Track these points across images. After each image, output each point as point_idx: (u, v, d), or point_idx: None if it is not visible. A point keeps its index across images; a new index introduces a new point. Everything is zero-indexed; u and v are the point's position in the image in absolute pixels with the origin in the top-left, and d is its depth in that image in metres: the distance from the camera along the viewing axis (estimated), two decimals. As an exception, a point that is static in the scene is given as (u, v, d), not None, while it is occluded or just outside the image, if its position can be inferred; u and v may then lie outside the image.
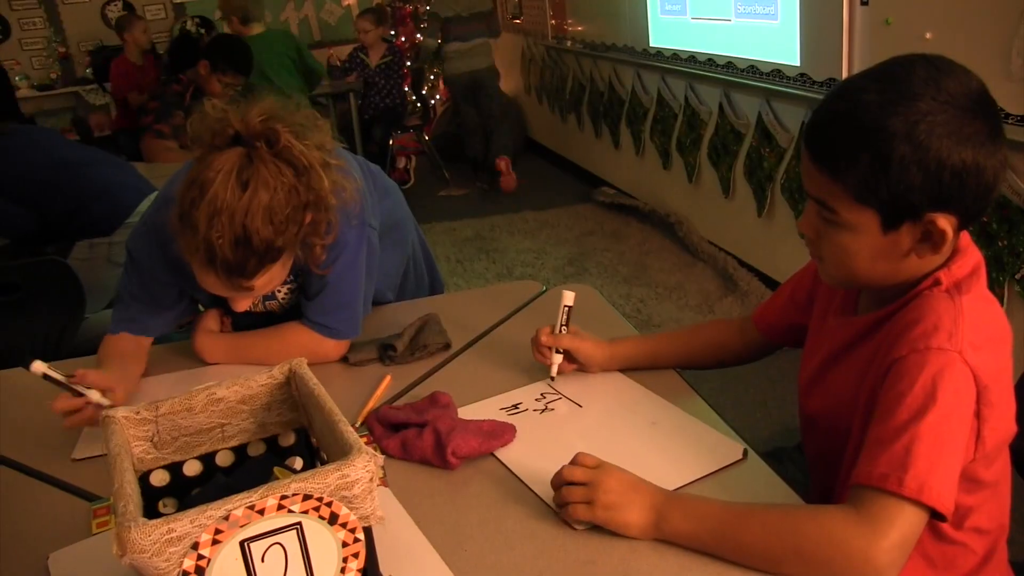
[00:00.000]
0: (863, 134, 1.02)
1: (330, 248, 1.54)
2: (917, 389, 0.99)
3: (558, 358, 1.49)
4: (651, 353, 1.51)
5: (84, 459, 1.38)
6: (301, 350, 1.57)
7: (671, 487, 1.15)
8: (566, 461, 1.15)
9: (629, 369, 1.52)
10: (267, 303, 1.71)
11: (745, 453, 1.25)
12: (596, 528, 1.10)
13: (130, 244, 1.65)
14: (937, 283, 1.07)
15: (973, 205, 1.03)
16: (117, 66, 6.15)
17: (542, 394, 1.47)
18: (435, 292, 2.15)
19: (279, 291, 1.69)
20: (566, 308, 1.48)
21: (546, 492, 1.17)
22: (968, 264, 1.09)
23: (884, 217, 1.04)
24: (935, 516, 0.97)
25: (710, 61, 4.23)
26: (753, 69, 3.85)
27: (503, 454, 1.29)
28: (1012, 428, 1.09)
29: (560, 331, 1.48)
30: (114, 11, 8.46)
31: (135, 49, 6.15)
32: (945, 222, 1.03)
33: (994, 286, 2.59)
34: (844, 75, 3.18)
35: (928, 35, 2.72)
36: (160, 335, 1.72)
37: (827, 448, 1.22)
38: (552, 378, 1.50)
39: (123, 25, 6.24)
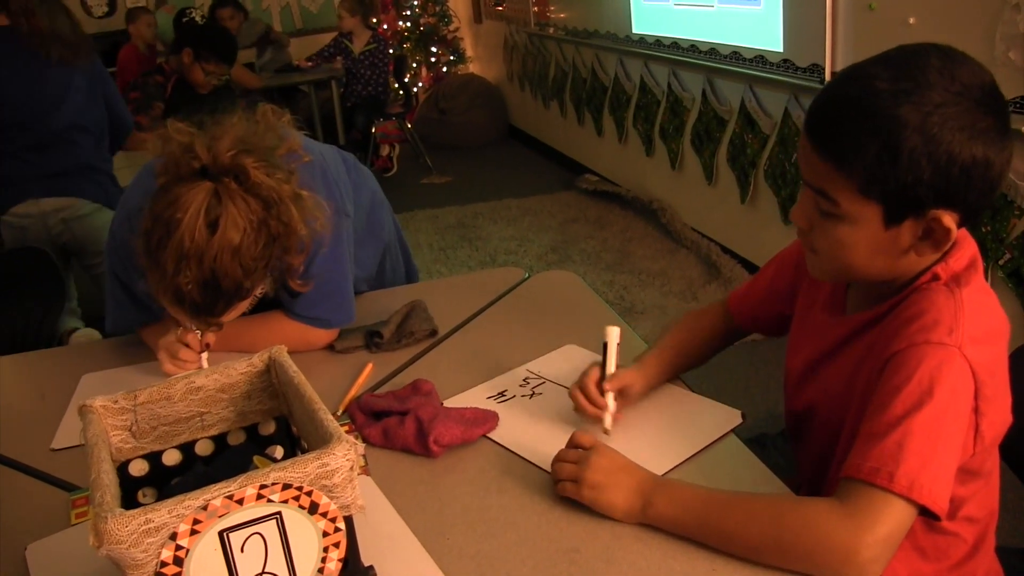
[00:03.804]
0: (873, 122, 0.97)
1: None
2: (914, 383, 0.97)
3: (613, 406, 1.28)
4: (669, 369, 1.40)
5: (63, 449, 1.36)
6: (291, 337, 1.58)
7: (678, 459, 1.19)
8: (562, 443, 1.17)
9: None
10: None
11: (744, 416, 1.26)
12: (579, 517, 1.09)
13: (109, 262, 1.62)
14: (936, 277, 1.05)
15: (976, 202, 1.00)
16: (126, 52, 6.33)
17: (525, 379, 1.47)
18: (410, 281, 2.14)
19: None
20: (616, 347, 1.30)
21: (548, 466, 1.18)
22: (965, 256, 1.06)
23: (887, 211, 1.01)
24: (926, 514, 0.95)
25: (693, 47, 4.22)
26: (736, 55, 3.84)
27: (501, 439, 1.29)
28: (1008, 420, 1.08)
29: (611, 372, 1.30)
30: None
31: (140, 41, 6.30)
32: (950, 219, 1.00)
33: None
34: (827, 61, 3.18)
35: (911, 20, 2.72)
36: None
37: (817, 444, 1.22)
38: (607, 431, 1.27)
39: (131, 17, 6.48)
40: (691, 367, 1.44)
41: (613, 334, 1.30)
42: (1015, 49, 2.30)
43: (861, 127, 0.98)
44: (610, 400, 1.28)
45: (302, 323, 1.63)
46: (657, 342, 1.43)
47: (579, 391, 1.30)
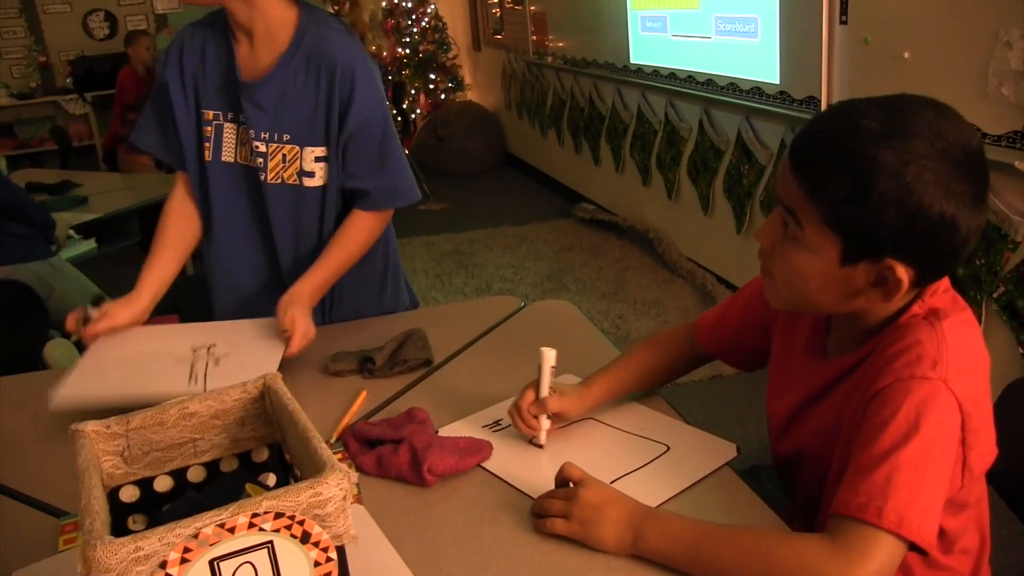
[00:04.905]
0: (850, 158, 0.98)
1: (360, 98, 1.64)
2: (900, 418, 0.97)
3: (547, 424, 1.34)
4: (618, 389, 1.42)
5: (56, 460, 1.34)
6: (375, 226, 1.76)
7: (672, 492, 1.18)
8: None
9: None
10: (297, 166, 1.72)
11: (738, 450, 1.26)
12: (572, 548, 1.08)
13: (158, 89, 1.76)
14: (913, 315, 1.06)
15: (936, 261, 1.01)
16: (125, 74, 6.43)
17: (520, 410, 1.46)
18: (412, 306, 2.12)
19: (314, 154, 1.71)
20: (551, 369, 1.34)
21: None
22: (940, 290, 1.07)
23: (846, 248, 1.02)
24: (914, 549, 0.95)
25: (690, 78, 4.25)
26: (733, 87, 3.87)
27: (495, 469, 1.29)
28: (994, 451, 1.08)
29: (547, 393, 1.34)
30: (95, 21, 8.43)
31: (139, 63, 6.41)
32: (903, 271, 1.00)
33: (972, 305, 2.59)
34: (823, 93, 3.21)
35: (906, 55, 2.74)
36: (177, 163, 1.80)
37: (807, 485, 1.21)
38: (540, 446, 1.34)
39: (130, 40, 6.59)
40: (650, 388, 1.47)
41: (548, 356, 1.33)
42: (1007, 84, 2.32)
43: (838, 160, 0.99)
44: (543, 419, 1.33)
45: (377, 211, 1.74)
46: (616, 361, 1.45)
47: (515, 411, 1.35)
